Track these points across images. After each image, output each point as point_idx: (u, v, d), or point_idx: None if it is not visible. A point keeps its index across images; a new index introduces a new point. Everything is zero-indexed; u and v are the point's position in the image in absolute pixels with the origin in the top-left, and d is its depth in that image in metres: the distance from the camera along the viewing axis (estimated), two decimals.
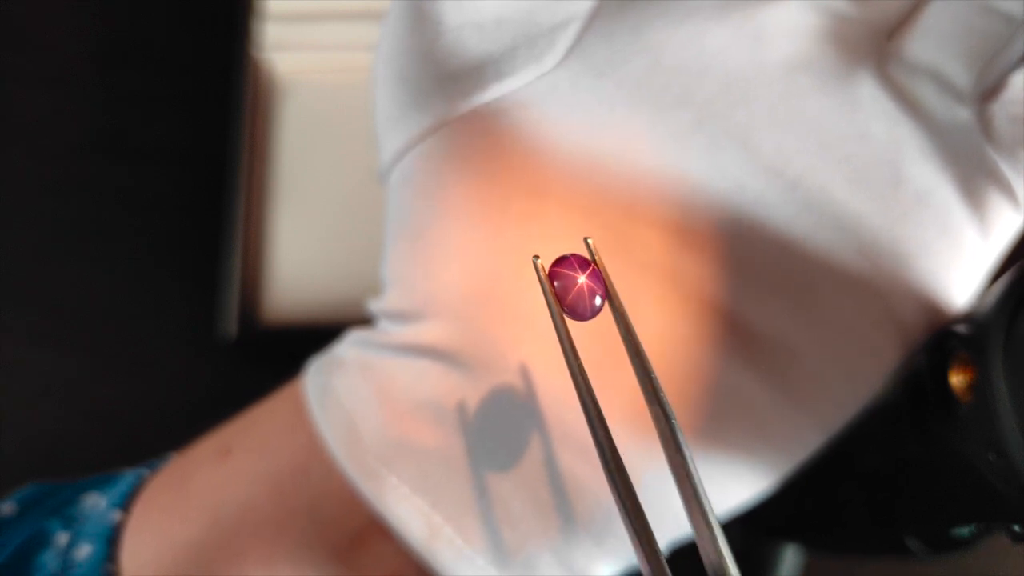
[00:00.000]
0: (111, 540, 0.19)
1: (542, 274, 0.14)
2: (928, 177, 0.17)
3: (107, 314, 0.34)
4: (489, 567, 0.17)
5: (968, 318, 0.16)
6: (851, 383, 0.17)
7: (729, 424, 0.17)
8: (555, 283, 0.14)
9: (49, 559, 0.19)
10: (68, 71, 0.37)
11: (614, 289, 0.14)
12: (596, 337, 0.15)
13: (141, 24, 0.38)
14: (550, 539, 0.17)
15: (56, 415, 0.33)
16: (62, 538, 0.20)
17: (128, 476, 0.21)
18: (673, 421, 0.12)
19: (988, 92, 0.17)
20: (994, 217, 0.17)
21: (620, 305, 0.14)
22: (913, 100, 0.17)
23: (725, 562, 0.11)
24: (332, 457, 0.17)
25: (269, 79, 0.34)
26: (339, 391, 0.18)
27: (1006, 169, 0.17)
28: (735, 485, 0.17)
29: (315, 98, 0.34)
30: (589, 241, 0.15)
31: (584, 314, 0.14)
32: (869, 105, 0.17)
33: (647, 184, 0.17)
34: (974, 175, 0.17)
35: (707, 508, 0.11)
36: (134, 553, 0.19)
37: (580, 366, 0.13)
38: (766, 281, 0.17)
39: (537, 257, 0.14)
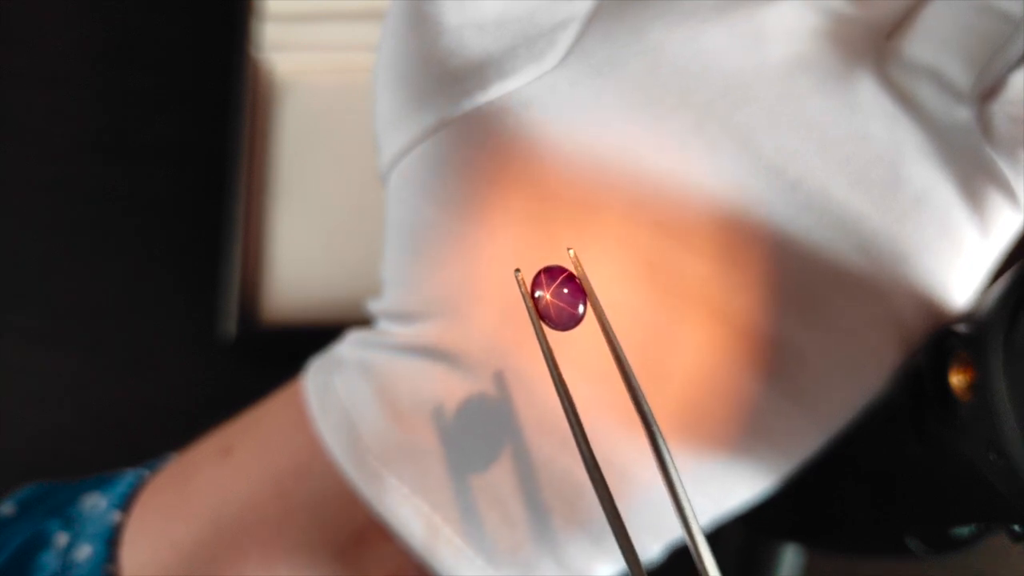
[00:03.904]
0: (111, 541, 0.19)
1: (523, 287, 0.14)
2: (928, 177, 0.17)
3: (107, 314, 0.34)
4: (488, 567, 0.17)
5: (968, 318, 0.16)
6: (852, 384, 0.17)
7: (733, 425, 0.17)
8: (536, 294, 0.14)
9: (49, 560, 0.19)
10: (68, 71, 0.37)
11: (596, 299, 0.14)
12: (600, 338, 0.15)
13: (141, 24, 0.38)
14: (549, 539, 0.17)
15: (56, 415, 0.33)
16: (62, 538, 0.20)
17: (128, 476, 0.21)
18: (658, 436, 0.12)
19: (987, 92, 0.17)
20: (994, 217, 0.17)
21: (602, 315, 0.14)
22: (912, 100, 0.17)
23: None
24: (332, 457, 0.17)
25: (269, 79, 0.34)
26: (339, 391, 0.18)
27: (1006, 169, 0.17)
28: (737, 486, 0.17)
29: (315, 98, 0.34)
30: (572, 252, 0.15)
31: (563, 326, 0.14)
32: (869, 105, 0.17)
33: (648, 185, 0.17)
34: (974, 175, 0.17)
35: (692, 523, 0.12)
36: (134, 553, 0.19)
37: (560, 376, 0.14)
38: (767, 282, 0.17)
39: (518, 270, 0.14)
